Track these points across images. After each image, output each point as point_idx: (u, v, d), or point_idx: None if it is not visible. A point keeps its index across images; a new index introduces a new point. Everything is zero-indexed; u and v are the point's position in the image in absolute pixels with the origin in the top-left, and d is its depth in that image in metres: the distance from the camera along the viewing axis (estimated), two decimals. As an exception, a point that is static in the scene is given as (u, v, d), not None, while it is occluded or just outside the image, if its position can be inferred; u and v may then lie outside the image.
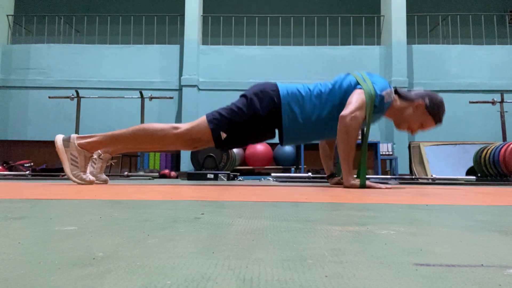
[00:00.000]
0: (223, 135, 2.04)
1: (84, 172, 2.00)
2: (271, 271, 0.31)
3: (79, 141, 2.00)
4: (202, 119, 2.07)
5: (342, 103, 2.03)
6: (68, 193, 1.26)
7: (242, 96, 2.13)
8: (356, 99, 1.94)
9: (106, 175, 2.90)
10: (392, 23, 7.19)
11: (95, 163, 2.21)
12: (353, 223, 0.59)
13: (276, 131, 2.18)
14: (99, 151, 2.23)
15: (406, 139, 6.92)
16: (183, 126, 2.05)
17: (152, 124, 2.05)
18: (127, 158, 6.85)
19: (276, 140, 2.38)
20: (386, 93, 1.99)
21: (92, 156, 2.11)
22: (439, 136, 7.04)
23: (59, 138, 2.02)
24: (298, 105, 2.06)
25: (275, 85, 2.11)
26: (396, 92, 2.12)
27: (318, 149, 2.53)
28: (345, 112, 1.93)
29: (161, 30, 8.14)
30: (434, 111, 2.06)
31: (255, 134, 2.11)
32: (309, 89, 2.09)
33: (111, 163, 2.42)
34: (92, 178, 2.03)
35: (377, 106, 1.98)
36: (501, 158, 3.49)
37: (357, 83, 2.02)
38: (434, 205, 0.94)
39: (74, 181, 1.97)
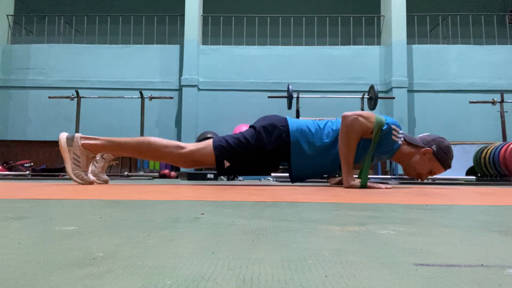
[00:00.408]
0: (226, 163, 2.05)
1: (85, 172, 2.00)
2: (271, 271, 0.31)
3: (83, 142, 2.00)
4: (208, 143, 2.08)
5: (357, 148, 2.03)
6: (68, 193, 1.26)
7: (251, 126, 2.14)
8: (367, 112, 1.97)
9: (106, 175, 2.90)
10: (392, 23, 7.19)
11: (97, 162, 2.21)
12: (353, 223, 0.59)
13: (279, 163, 2.19)
14: None
15: (406, 139, 6.92)
16: (188, 146, 2.05)
17: (158, 140, 2.05)
18: (127, 158, 6.85)
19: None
20: (395, 127, 1.99)
21: (95, 157, 2.11)
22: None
23: (63, 137, 2.01)
24: (306, 142, 2.07)
25: (285, 120, 2.12)
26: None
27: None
28: (349, 112, 1.94)
29: (161, 30, 8.14)
30: (443, 157, 2.05)
31: (258, 166, 2.12)
32: (319, 126, 2.10)
33: (113, 163, 2.42)
34: (92, 178, 2.03)
35: (383, 135, 1.96)
36: (501, 158, 3.49)
37: None
38: (434, 205, 0.94)
39: (75, 181, 1.97)
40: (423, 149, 2.05)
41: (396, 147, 2.03)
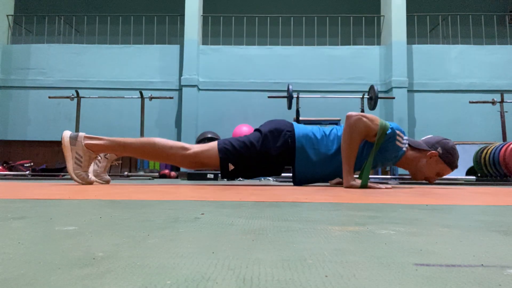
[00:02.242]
0: (231, 166, 2.05)
1: (86, 172, 2.00)
2: (271, 271, 0.31)
3: (86, 141, 1.99)
4: (213, 145, 2.07)
5: (359, 152, 2.03)
6: (68, 193, 1.26)
7: (257, 130, 2.14)
8: (372, 115, 1.96)
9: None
10: (392, 23, 7.19)
11: (100, 162, 2.21)
12: (353, 223, 0.59)
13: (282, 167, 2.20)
14: None
15: (406, 139, 6.92)
16: (193, 148, 2.05)
17: (162, 140, 2.05)
18: (127, 158, 6.85)
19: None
20: (399, 133, 1.98)
21: (97, 157, 2.11)
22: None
23: (66, 135, 2.00)
24: (312, 148, 2.07)
25: (291, 126, 2.11)
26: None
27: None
28: (353, 112, 1.94)
29: (161, 30, 8.14)
30: (449, 159, 2.05)
31: (262, 170, 2.12)
32: (325, 133, 2.10)
33: (116, 163, 2.43)
34: (93, 178, 2.03)
35: (387, 139, 1.95)
36: (501, 158, 3.49)
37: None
38: (434, 205, 0.94)
39: (75, 180, 1.97)
40: (429, 153, 2.05)
41: (401, 153, 2.03)
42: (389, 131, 1.94)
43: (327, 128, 2.15)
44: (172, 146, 2.04)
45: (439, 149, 2.05)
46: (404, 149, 2.03)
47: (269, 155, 2.05)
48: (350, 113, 1.95)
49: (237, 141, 2.08)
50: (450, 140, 2.13)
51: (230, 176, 2.11)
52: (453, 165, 2.08)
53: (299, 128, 2.11)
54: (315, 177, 2.15)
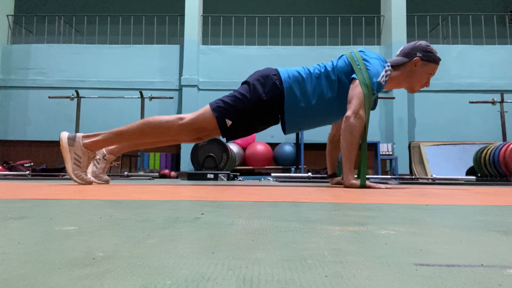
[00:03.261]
0: (228, 122, 2.04)
1: (85, 172, 2.00)
2: (271, 271, 0.31)
3: (84, 141, 1.99)
4: (206, 108, 2.07)
5: (341, 84, 2.05)
6: (68, 193, 1.26)
7: (244, 83, 2.13)
8: (356, 96, 1.95)
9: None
10: (392, 23, 7.19)
11: (98, 163, 2.21)
12: (353, 223, 0.59)
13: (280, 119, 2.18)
14: (103, 151, 2.23)
15: (406, 139, 6.92)
16: (188, 116, 2.05)
17: (157, 117, 2.05)
18: (127, 158, 6.85)
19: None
20: (381, 77, 1.99)
21: (95, 156, 2.11)
22: (439, 136, 7.04)
23: (64, 136, 2.00)
24: (299, 88, 2.06)
25: (276, 70, 2.12)
26: None
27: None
28: (348, 112, 1.94)
29: (161, 30, 8.14)
30: (431, 56, 2.09)
31: (260, 120, 2.10)
32: (309, 71, 2.10)
33: (115, 164, 2.42)
34: (92, 178, 2.03)
35: (375, 93, 1.99)
36: (501, 158, 3.49)
37: (352, 69, 2.03)
38: (434, 205, 0.94)
39: (74, 181, 1.97)
40: (411, 62, 2.09)
41: (384, 83, 2.04)
42: (374, 87, 1.96)
43: (311, 67, 2.14)
44: (168, 120, 2.03)
45: (418, 53, 2.09)
46: (386, 79, 2.02)
47: (261, 101, 2.03)
48: (347, 114, 1.95)
49: (228, 97, 2.08)
50: (421, 40, 2.17)
51: (230, 133, 2.08)
52: (437, 60, 2.11)
53: (283, 71, 2.11)
54: (304, 120, 2.13)
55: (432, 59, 2.09)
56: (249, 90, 2.05)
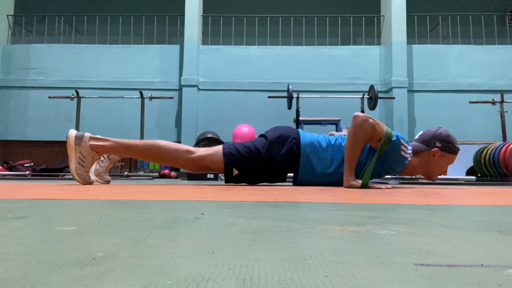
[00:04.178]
0: (235, 171, 2.05)
1: (88, 172, 2.00)
2: (271, 271, 0.31)
3: (91, 142, 1.99)
4: (218, 149, 2.07)
5: (360, 159, 2.02)
6: (68, 193, 1.26)
7: (262, 136, 2.14)
8: (378, 120, 1.95)
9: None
10: (392, 23, 7.19)
11: (102, 162, 2.21)
12: (353, 223, 0.59)
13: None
14: None
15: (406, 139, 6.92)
16: (198, 152, 2.05)
17: (168, 144, 2.05)
18: (127, 158, 6.85)
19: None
20: (404, 142, 1.98)
21: (100, 157, 2.11)
22: (439, 136, 7.04)
23: (72, 134, 2.00)
24: (317, 158, 2.06)
25: (297, 133, 2.11)
26: None
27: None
28: (360, 113, 1.93)
29: (161, 30, 8.13)
30: (450, 148, 2.07)
31: (267, 176, 2.13)
32: (330, 142, 2.10)
33: (118, 164, 2.43)
34: (93, 178, 2.03)
35: (392, 147, 1.94)
36: (501, 158, 3.49)
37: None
38: (434, 205, 0.94)
39: (76, 180, 1.97)
40: (431, 152, 2.06)
41: (406, 163, 2.03)
42: (394, 138, 1.93)
43: (332, 137, 2.15)
44: (177, 150, 2.04)
45: (438, 143, 2.07)
46: (409, 158, 2.02)
47: (273, 161, 2.04)
48: (357, 113, 1.94)
49: (242, 146, 2.08)
50: (441, 127, 2.15)
51: (234, 181, 2.10)
52: (456, 151, 2.10)
53: (304, 136, 2.11)
54: (316, 182, 2.14)
55: (451, 151, 2.07)
56: (265, 146, 2.06)
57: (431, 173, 2.12)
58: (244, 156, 2.04)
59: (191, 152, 2.03)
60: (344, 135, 2.15)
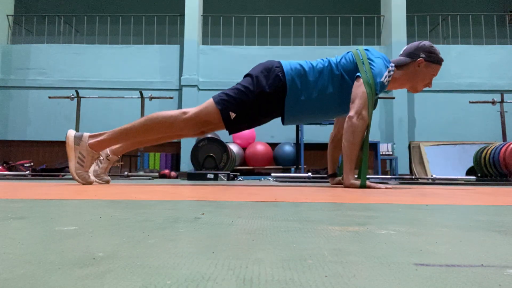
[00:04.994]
0: (232, 115, 2.04)
1: (87, 172, 2.01)
2: (271, 271, 0.31)
3: (90, 141, 1.99)
4: (209, 101, 2.07)
5: (343, 80, 2.05)
6: (68, 193, 1.26)
7: (247, 75, 2.13)
8: (359, 95, 1.95)
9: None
10: (392, 23, 7.18)
11: (101, 163, 2.21)
12: (353, 223, 0.59)
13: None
14: (107, 151, 2.23)
15: (406, 139, 6.92)
16: (191, 110, 2.05)
17: (161, 112, 2.05)
18: (127, 158, 6.85)
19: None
20: (385, 77, 2.00)
21: (99, 157, 2.11)
22: (439, 136, 7.04)
23: (71, 134, 2.00)
24: (300, 81, 2.07)
25: (279, 62, 2.13)
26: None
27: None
28: (351, 112, 1.94)
29: (161, 30, 8.13)
30: (434, 57, 2.10)
31: (263, 112, 2.10)
32: (312, 65, 2.11)
33: (117, 164, 2.42)
34: (93, 178, 2.03)
35: (378, 93, 2.00)
36: (501, 158, 3.49)
37: (356, 67, 2.04)
38: (434, 205, 0.94)
39: (76, 180, 1.97)
40: (415, 62, 2.10)
41: (387, 83, 2.04)
42: (377, 87, 1.96)
43: (314, 61, 2.15)
44: (171, 115, 2.03)
45: (422, 54, 2.10)
46: (389, 79, 2.03)
47: (264, 93, 2.03)
48: (349, 114, 1.95)
49: (231, 89, 2.09)
50: (423, 40, 2.18)
51: (234, 126, 2.08)
52: (440, 61, 2.12)
53: (286, 63, 2.13)
54: (303, 112, 2.12)
55: (435, 60, 2.10)
56: (252, 82, 2.06)
57: (416, 84, 2.15)
58: (235, 98, 2.04)
59: (185, 113, 2.03)
60: (326, 59, 2.13)
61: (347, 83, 2.05)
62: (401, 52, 2.20)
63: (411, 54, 2.12)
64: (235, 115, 2.03)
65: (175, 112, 2.04)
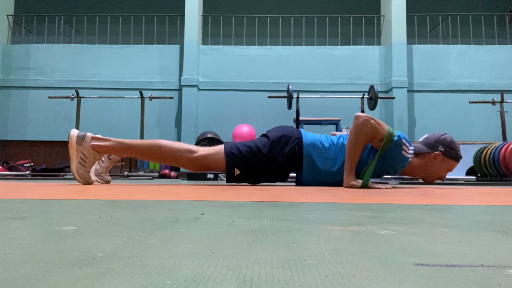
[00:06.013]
0: (237, 171, 2.05)
1: (88, 172, 2.00)
2: (271, 271, 0.31)
3: (93, 143, 1.99)
4: (220, 149, 2.07)
5: (362, 156, 2.02)
6: (68, 193, 1.26)
7: (264, 135, 2.14)
8: (382, 122, 1.95)
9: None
10: (392, 23, 7.19)
11: (102, 162, 2.21)
12: (353, 223, 0.59)
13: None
14: None
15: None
16: (199, 151, 2.05)
17: (169, 143, 2.05)
18: (127, 158, 6.85)
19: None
20: (405, 142, 1.96)
21: (101, 158, 2.11)
22: (439, 136, 7.04)
23: (74, 134, 2.00)
24: (320, 158, 2.06)
25: (299, 133, 2.11)
26: None
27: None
28: (362, 113, 1.93)
29: (161, 30, 8.13)
30: (452, 154, 2.06)
31: (268, 176, 2.12)
32: (332, 142, 2.10)
33: (119, 164, 2.43)
34: (94, 178, 2.03)
35: (393, 147, 1.94)
36: (501, 158, 3.49)
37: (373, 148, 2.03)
38: (434, 205, 0.94)
39: (77, 180, 1.97)
40: (433, 154, 2.05)
41: (407, 163, 2.02)
42: (396, 138, 1.93)
43: (335, 137, 2.14)
44: (178, 149, 2.03)
45: (441, 148, 2.06)
46: (410, 159, 2.01)
47: (275, 161, 2.04)
48: (358, 113, 1.94)
49: (244, 145, 2.07)
50: (446, 133, 2.14)
51: (235, 180, 2.10)
52: (458, 158, 2.09)
53: (307, 136, 2.11)
54: (321, 180, 2.13)
55: (453, 156, 2.06)
56: (267, 146, 2.05)
57: (429, 176, 2.11)
58: (245, 156, 2.03)
59: (192, 152, 2.03)
60: (346, 134, 2.14)
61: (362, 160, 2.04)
62: (421, 139, 2.16)
63: (430, 145, 2.07)
64: (239, 172, 2.05)
65: (182, 147, 2.04)
